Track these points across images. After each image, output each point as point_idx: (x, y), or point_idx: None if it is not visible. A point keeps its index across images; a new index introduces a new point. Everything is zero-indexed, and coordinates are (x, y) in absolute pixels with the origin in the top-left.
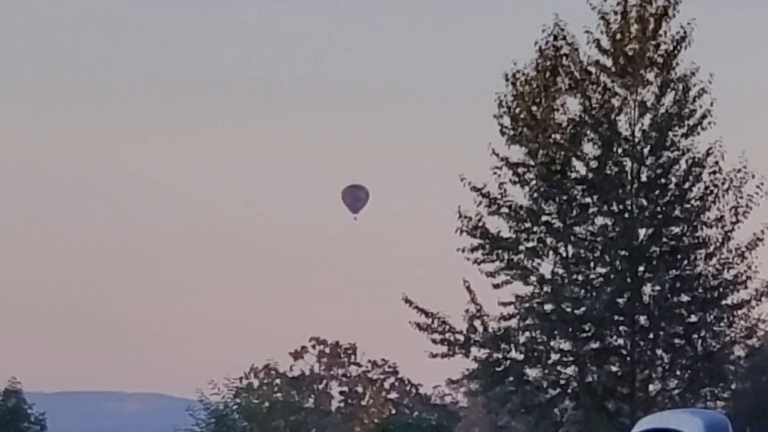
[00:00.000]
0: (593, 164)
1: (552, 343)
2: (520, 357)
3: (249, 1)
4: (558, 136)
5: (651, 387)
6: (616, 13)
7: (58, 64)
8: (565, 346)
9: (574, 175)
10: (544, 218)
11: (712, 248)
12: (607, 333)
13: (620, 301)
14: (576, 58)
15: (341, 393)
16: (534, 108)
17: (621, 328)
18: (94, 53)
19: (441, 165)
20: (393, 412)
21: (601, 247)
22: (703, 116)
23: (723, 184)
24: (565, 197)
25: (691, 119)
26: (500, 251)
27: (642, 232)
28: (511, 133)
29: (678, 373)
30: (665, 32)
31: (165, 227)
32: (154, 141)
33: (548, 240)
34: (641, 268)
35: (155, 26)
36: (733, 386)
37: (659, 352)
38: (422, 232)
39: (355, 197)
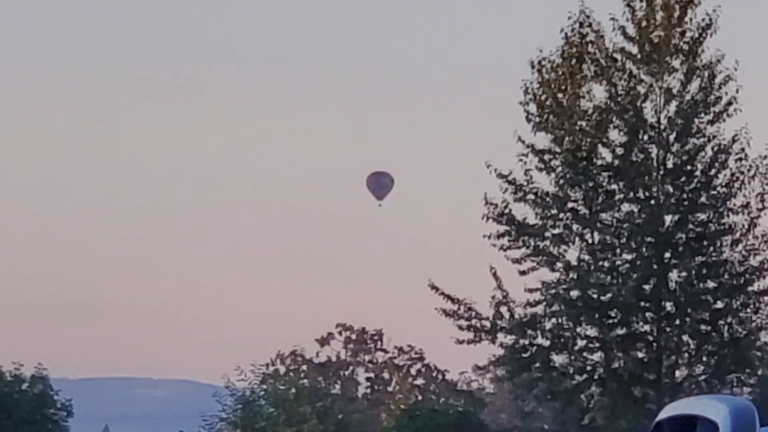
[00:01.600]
0: (619, 151)
1: (578, 330)
2: (547, 343)
3: None
4: (584, 123)
5: (677, 373)
6: (641, 0)
7: (84, 48)
8: (592, 332)
9: (600, 161)
10: (570, 205)
11: (738, 235)
12: (633, 319)
13: (646, 287)
14: (602, 45)
15: (367, 379)
16: (560, 95)
17: (647, 314)
18: (107, 40)
19: (467, 152)
20: (419, 398)
21: (627, 233)
22: (729, 103)
23: (749, 170)
24: (591, 184)
25: (717, 106)
26: (526, 238)
27: (668, 218)
28: (537, 120)
29: (704, 359)
30: (691, 19)
31: (190, 214)
32: (177, 129)
33: (574, 227)
34: (667, 255)
35: (180, 14)
36: (759, 372)
37: (685, 338)
38: (448, 218)
39: (380, 184)
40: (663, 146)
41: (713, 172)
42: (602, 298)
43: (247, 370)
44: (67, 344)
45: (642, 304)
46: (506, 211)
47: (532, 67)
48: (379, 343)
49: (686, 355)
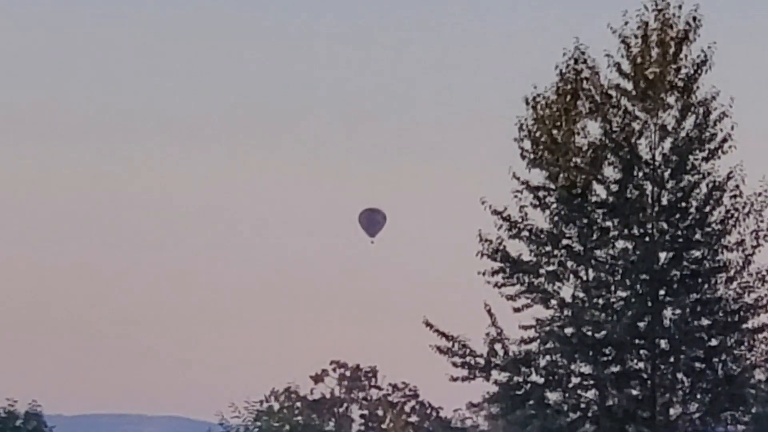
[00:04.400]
0: (614, 188)
1: (572, 367)
2: (541, 380)
3: (266, 22)
4: (578, 160)
5: (671, 411)
6: (636, 36)
7: (86, 78)
8: (586, 369)
9: (594, 198)
10: (564, 242)
11: (732, 272)
12: (627, 357)
13: (641, 324)
14: (597, 82)
15: (362, 416)
16: (555, 131)
17: (641, 351)
18: (112, 70)
19: (462, 188)
20: None
21: (622, 270)
22: (724, 140)
23: (743, 207)
24: (585, 221)
25: (712, 143)
26: (521, 275)
27: (663, 255)
28: (532, 156)
29: (698, 396)
30: (686, 56)
31: (184, 251)
32: (169, 168)
33: (569, 263)
34: (662, 292)
35: (173, 47)
36: (753, 410)
37: (680, 375)
38: (443, 255)
39: (373, 221)
40: (658, 183)
41: (708, 209)
42: (596, 335)
43: (241, 406)
44: (62, 381)
45: (636, 341)
46: (501, 247)
47: (527, 103)
48: (373, 380)
49: (680, 392)
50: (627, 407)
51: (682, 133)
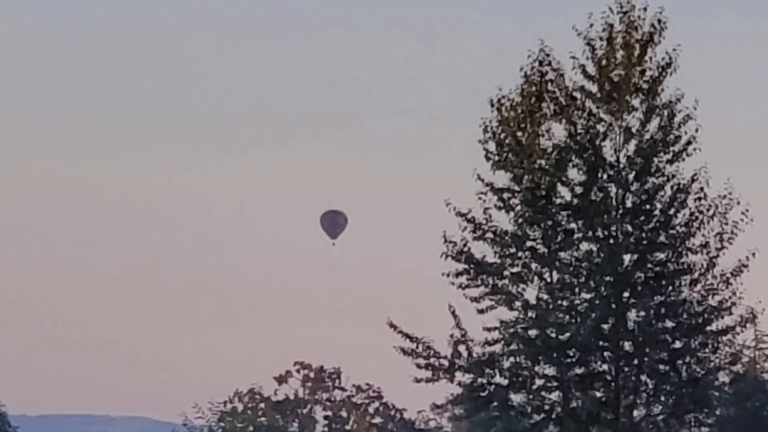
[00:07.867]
0: (578, 190)
1: (536, 369)
2: (505, 382)
3: (226, 28)
4: (543, 162)
5: (635, 413)
6: (601, 39)
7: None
8: (550, 371)
9: (559, 200)
10: (529, 244)
11: (696, 274)
12: (591, 359)
13: (605, 326)
14: (561, 84)
15: (325, 417)
16: (519, 133)
17: (605, 353)
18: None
19: (426, 190)
20: None
21: (586, 272)
22: (688, 142)
23: (708, 210)
24: (550, 223)
25: (676, 145)
26: (485, 276)
27: (627, 257)
28: (497, 158)
29: (662, 399)
30: (650, 58)
31: (146, 252)
32: (131, 167)
33: (533, 265)
34: (626, 294)
35: (142, 39)
36: (717, 412)
37: (644, 377)
38: (407, 257)
39: (334, 223)
40: (622, 185)
41: (672, 211)
42: (561, 337)
43: (205, 407)
44: (26, 380)
45: (600, 343)
46: (465, 249)
47: (492, 105)
48: (337, 381)
49: (644, 394)
50: (591, 409)
51: (647, 136)
